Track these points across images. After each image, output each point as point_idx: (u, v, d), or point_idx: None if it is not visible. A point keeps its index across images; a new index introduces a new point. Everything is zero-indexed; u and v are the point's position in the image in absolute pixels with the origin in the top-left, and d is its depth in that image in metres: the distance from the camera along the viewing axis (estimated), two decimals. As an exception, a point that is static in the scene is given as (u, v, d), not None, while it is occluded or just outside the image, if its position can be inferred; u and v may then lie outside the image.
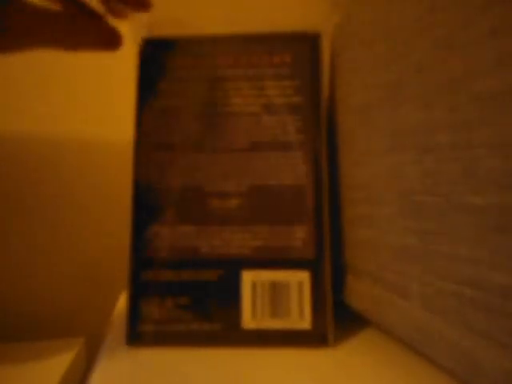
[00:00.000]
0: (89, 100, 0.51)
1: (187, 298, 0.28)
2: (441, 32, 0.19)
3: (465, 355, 0.18)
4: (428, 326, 0.21)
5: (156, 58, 0.31)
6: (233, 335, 0.27)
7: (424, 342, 0.21)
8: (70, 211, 0.50)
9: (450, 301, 0.19)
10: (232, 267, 0.28)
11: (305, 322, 0.27)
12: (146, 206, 0.29)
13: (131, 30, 0.32)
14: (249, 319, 0.27)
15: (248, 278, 0.28)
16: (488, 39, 0.17)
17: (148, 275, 0.28)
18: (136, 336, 0.28)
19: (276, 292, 0.28)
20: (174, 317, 0.28)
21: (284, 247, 0.28)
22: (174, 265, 0.28)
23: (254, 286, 0.28)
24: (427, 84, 0.20)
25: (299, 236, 0.28)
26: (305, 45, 0.30)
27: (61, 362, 0.45)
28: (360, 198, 0.27)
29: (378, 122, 0.25)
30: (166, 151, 0.29)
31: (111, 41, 0.30)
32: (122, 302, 0.38)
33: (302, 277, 0.28)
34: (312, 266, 0.28)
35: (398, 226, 0.23)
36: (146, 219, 0.29)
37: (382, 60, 0.25)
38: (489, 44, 0.17)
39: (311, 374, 0.24)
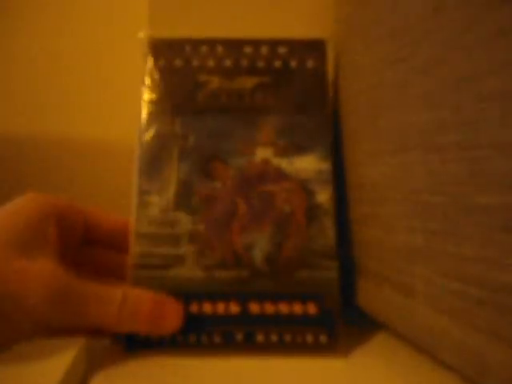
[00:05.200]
0: (89, 101, 0.52)
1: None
2: (447, 32, 0.19)
3: (472, 354, 0.18)
4: (434, 325, 0.20)
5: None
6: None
7: (431, 342, 0.21)
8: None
9: (456, 300, 0.19)
10: None
11: None
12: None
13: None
14: None
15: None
16: (494, 39, 0.17)
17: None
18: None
19: None
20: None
21: None
22: None
23: None
24: (433, 84, 0.20)
25: None
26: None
27: (61, 361, 0.44)
28: (366, 197, 0.27)
29: (383, 122, 0.25)
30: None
31: None
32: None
33: None
34: None
35: (403, 226, 0.23)
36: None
37: (387, 60, 0.25)
38: (495, 44, 0.17)
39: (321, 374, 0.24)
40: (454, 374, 0.21)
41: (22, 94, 0.50)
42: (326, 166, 0.28)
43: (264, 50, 0.31)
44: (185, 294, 0.27)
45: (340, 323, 0.26)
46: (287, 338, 0.26)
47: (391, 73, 0.24)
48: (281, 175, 0.28)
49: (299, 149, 0.29)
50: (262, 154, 0.28)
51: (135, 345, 0.27)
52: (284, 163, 0.28)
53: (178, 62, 0.31)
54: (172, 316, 0.26)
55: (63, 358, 0.44)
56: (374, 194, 0.26)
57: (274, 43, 0.31)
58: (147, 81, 0.31)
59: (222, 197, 0.28)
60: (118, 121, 0.51)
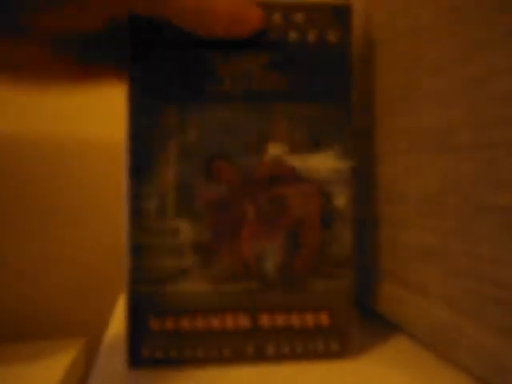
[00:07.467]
0: (88, 100, 0.52)
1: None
2: (460, 32, 0.19)
3: (487, 354, 0.18)
4: (449, 325, 0.20)
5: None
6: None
7: (445, 342, 0.20)
8: (68, 212, 0.51)
9: (472, 299, 0.19)
10: None
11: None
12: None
13: None
14: None
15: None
16: (508, 39, 0.16)
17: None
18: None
19: None
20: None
21: None
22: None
23: None
24: (446, 84, 0.20)
25: None
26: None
27: (61, 362, 0.44)
28: (380, 197, 0.27)
29: (396, 122, 0.25)
30: None
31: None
32: (121, 303, 0.37)
33: None
34: None
35: (417, 225, 0.23)
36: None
37: (399, 60, 0.24)
38: (509, 44, 0.16)
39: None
40: (469, 376, 0.21)
41: (22, 94, 0.50)
42: (345, 164, 0.24)
43: (276, 17, 0.24)
44: (190, 309, 0.24)
45: (353, 332, 0.25)
46: (299, 349, 0.24)
47: (404, 72, 0.23)
48: (295, 176, 0.25)
49: (317, 144, 0.25)
50: (274, 150, 0.25)
51: (140, 360, 0.23)
52: (299, 162, 0.25)
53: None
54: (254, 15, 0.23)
55: (63, 358, 0.45)
56: (388, 193, 0.26)
57: (288, 9, 0.25)
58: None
59: (228, 202, 0.24)
60: (118, 120, 0.52)
